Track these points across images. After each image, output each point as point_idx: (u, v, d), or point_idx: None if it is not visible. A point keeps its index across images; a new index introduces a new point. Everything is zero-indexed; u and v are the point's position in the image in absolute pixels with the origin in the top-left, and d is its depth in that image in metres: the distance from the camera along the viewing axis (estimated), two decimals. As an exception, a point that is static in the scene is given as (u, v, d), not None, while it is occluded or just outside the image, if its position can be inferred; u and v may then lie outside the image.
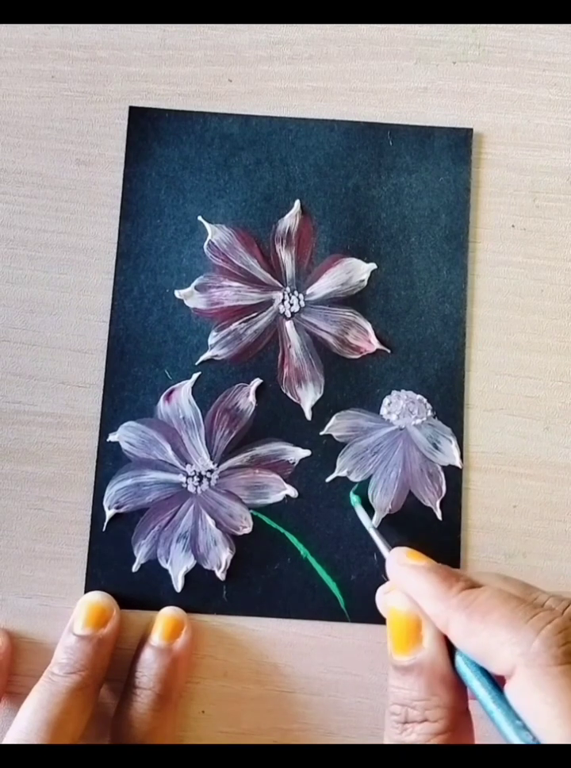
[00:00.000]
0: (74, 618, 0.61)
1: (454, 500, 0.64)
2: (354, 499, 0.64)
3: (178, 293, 0.65)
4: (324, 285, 0.66)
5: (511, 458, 0.65)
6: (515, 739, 0.44)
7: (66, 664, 0.59)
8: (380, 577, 0.63)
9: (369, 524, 0.61)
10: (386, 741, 0.51)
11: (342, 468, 0.64)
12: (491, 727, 0.46)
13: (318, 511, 0.64)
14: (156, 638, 0.61)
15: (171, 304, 0.65)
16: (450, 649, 0.50)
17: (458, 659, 0.49)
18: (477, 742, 0.51)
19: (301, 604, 0.63)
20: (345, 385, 0.65)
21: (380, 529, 0.62)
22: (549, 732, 0.43)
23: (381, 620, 0.59)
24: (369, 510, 0.64)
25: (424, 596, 0.51)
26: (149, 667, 0.60)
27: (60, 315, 0.66)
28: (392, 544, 0.59)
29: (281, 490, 0.64)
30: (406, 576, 0.53)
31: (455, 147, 0.67)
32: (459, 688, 0.49)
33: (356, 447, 0.64)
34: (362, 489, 0.64)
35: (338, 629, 0.63)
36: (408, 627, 0.51)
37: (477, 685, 0.48)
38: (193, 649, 0.62)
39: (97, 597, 0.62)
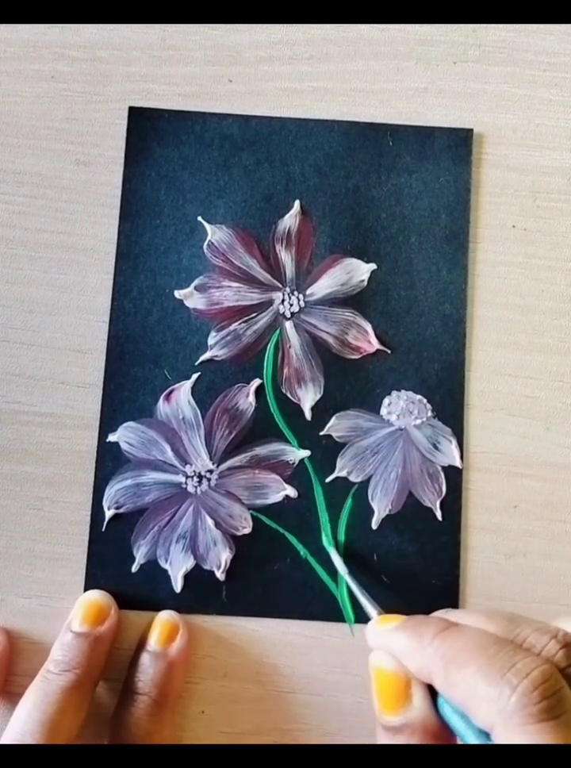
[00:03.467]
0: (72, 615, 0.62)
1: (454, 500, 0.64)
2: (326, 541, 0.64)
3: (177, 294, 0.65)
4: (324, 285, 0.66)
5: (512, 459, 0.65)
6: None
7: (61, 661, 0.59)
8: (380, 576, 0.63)
9: (346, 572, 0.61)
10: None
11: (342, 468, 0.64)
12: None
13: (318, 511, 0.64)
14: (152, 643, 0.61)
15: (171, 304, 0.65)
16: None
17: (443, 708, 0.48)
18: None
19: (301, 604, 0.63)
20: (345, 386, 0.65)
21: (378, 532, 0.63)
22: None
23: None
24: (349, 559, 0.63)
25: (403, 654, 0.49)
26: (145, 672, 0.60)
27: (60, 315, 0.66)
28: (392, 543, 0.60)
29: (280, 491, 0.64)
30: (383, 644, 0.51)
31: (455, 147, 0.67)
32: (450, 738, 0.48)
33: (356, 447, 0.64)
34: (332, 530, 0.64)
35: (338, 629, 0.63)
36: (396, 686, 0.49)
37: (463, 735, 0.47)
38: (190, 653, 0.62)
39: (96, 595, 0.62)
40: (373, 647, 0.52)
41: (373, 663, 0.51)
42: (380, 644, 0.51)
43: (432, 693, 0.48)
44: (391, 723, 0.49)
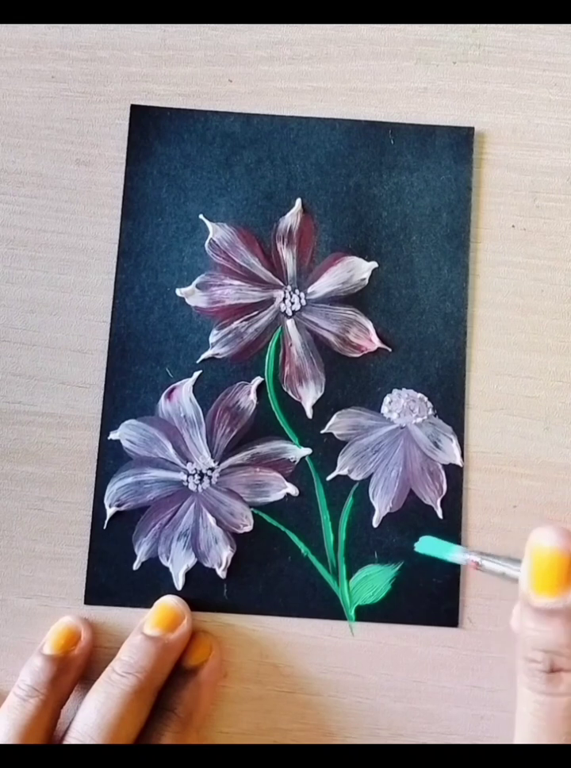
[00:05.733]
0: (146, 617, 0.62)
1: (454, 498, 0.64)
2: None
3: (179, 292, 0.65)
4: (325, 283, 0.66)
5: (512, 459, 0.65)
6: None
7: (126, 662, 0.59)
8: (380, 576, 0.63)
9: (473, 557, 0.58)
10: (524, 692, 0.48)
11: (343, 466, 0.64)
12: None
13: (319, 509, 0.64)
14: (186, 659, 0.61)
15: (172, 302, 0.65)
16: None
17: None
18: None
19: (302, 602, 0.63)
20: (346, 384, 0.65)
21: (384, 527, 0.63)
22: None
23: (381, 619, 0.60)
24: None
25: None
26: (175, 688, 0.60)
27: (60, 315, 0.66)
28: (393, 541, 0.61)
29: (281, 489, 0.64)
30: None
31: (457, 145, 0.67)
32: None
33: (357, 445, 0.64)
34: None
35: (338, 628, 0.63)
36: (560, 565, 0.48)
37: None
38: (220, 675, 0.63)
39: (173, 600, 0.62)
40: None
41: (537, 540, 0.50)
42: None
43: None
44: (546, 606, 0.47)
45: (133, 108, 0.67)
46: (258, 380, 0.65)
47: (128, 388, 0.65)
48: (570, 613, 0.47)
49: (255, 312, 0.66)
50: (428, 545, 0.61)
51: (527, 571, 0.49)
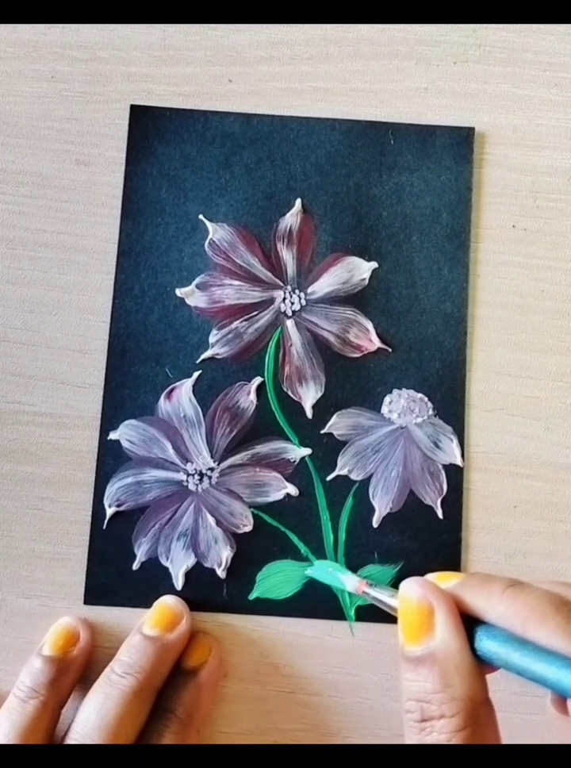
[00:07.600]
0: (145, 617, 0.62)
1: (454, 498, 0.64)
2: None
3: (179, 292, 0.65)
4: (325, 283, 0.66)
5: (512, 459, 0.65)
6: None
7: (125, 663, 0.59)
8: (380, 576, 0.63)
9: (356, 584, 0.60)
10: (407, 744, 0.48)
11: (343, 466, 0.64)
12: (516, 717, 0.47)
13: (319, 509, 0.64)
14: (186, 660, 0.61)
15: (172, 302, 0.65)
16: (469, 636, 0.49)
17: (482, 637, 0.48)
18: (501, 733, 0.49)
19: (302, 602, 0.63)
20: (346, 384, 0.65)
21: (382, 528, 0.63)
22: None
23: (381, 618, 0.59)
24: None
25: (472, 608, 0.49)
26: (174, 689, 0.60)
27: (60, 315, 0.66)
28: (393, 542, 0.62)
29: (281, 489, 0.64)
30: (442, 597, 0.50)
31: (457, 145, 0.67)
32: (477, 676, 0.48)
33: (357, 445, 0.64)
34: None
35: (338, 629, 0.63)
36: (419, 614, 0.49)
37: (517, 656, 0.47)
38: (219, 675, 0.63)
39: (172, 600, 0.62)
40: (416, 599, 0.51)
41: (401, 592, 0.52)
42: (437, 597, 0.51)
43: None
44: (413, 654, 0.49)
45: (133, 108, 0.68)
46: (258, 380, 0.65)
47: (128, 388, 0.65)
48: (434, 659, 0.48)
49: (255, 313, 0.65)
50: (321, 570, 0.62)
51: (399, 625, 0.51)
